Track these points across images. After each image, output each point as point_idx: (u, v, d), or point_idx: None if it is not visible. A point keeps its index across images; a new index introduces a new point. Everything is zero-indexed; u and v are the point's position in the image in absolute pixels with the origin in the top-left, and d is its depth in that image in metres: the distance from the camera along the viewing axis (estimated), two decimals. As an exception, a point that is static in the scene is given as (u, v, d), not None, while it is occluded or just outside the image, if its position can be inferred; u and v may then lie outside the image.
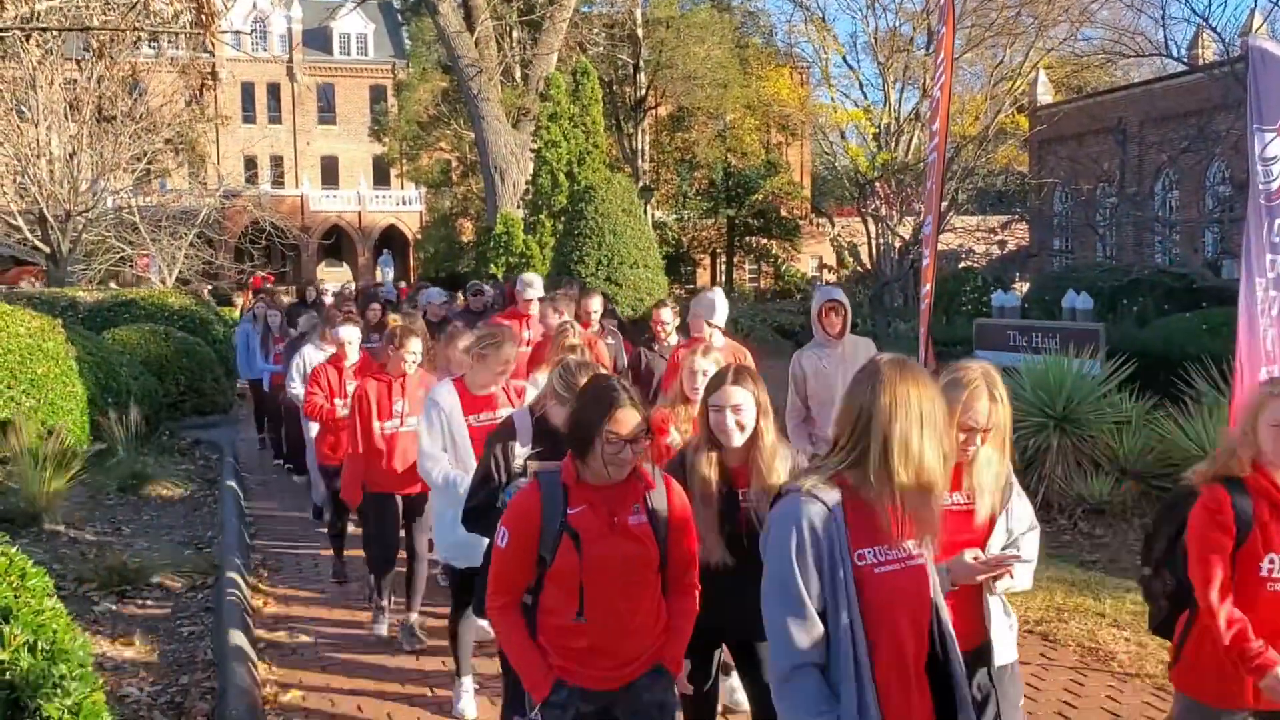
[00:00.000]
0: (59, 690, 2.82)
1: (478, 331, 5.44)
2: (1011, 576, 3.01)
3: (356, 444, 6.10)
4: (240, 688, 5.05)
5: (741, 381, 3.52)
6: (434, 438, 4.99)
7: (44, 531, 7.92)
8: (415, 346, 6.11)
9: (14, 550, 3.14)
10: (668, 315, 7.81)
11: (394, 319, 7.89)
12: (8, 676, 2.72)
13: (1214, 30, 18.42)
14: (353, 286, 24.06)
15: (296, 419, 9.18)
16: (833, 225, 42.07)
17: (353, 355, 7.32)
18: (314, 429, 7.85)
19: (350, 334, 7.34)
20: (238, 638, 5.71)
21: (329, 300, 14.19)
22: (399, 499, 6.14)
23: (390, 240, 54.53)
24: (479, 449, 4.61)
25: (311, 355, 8.47)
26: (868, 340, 6.84)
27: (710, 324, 7.04)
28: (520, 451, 4.06)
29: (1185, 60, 23.49)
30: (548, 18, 24.23)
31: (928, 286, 7.64)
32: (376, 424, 6.07)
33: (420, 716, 5.14)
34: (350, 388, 6.92)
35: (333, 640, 6.25)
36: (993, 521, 3.13)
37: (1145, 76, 31.91)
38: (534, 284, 8.53)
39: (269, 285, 21.77)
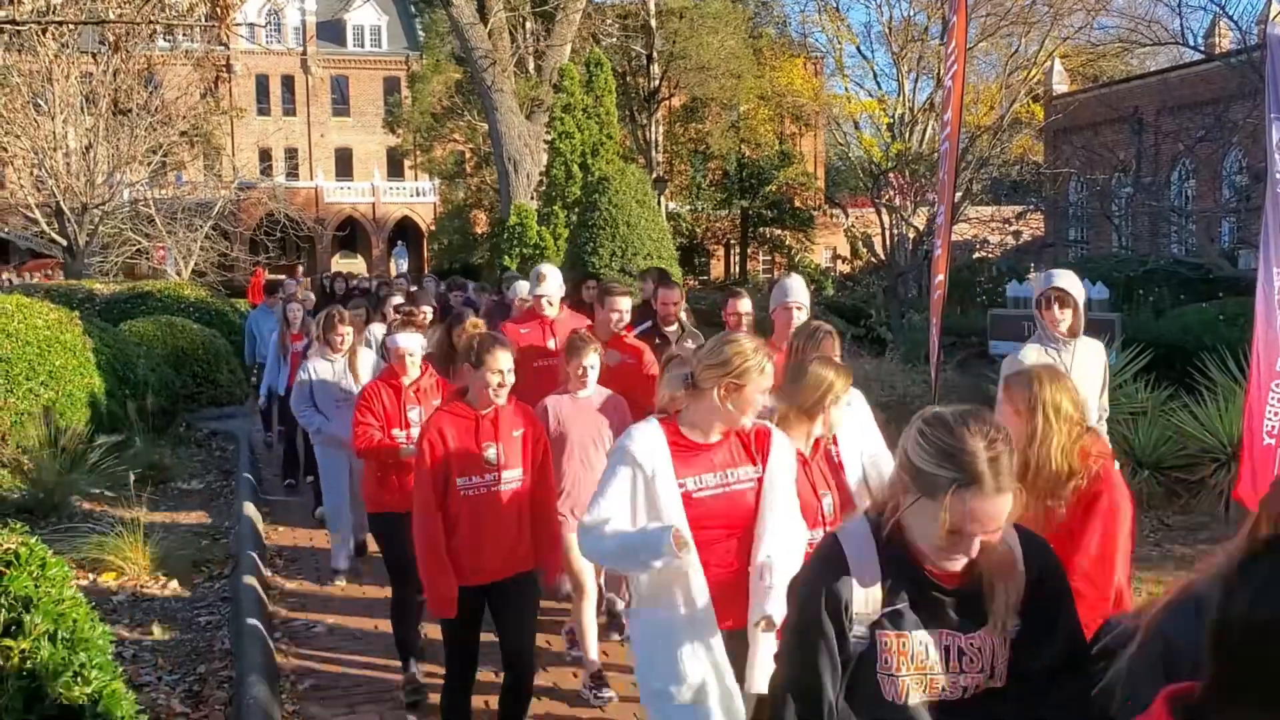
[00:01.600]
0: (79, 678, 2.86)
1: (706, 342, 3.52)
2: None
3: (433, 521, 4.13)
4: (257, 676, 5.09)
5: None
6: (613, 504, 3.24)
7: (63, 521, 7.98)
8: (504, 362, 4.21)
9: (34, 540, 3.18)
10: (746, 306, 6.45)
11: (474, 322, 6.27)
12: (29, 665, 2.75)
13: (1231, 18, 18.30)
14: (400, 278, 21.85)
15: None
16: (846, 216, 41.92)
17: (412, 370, 5.71)
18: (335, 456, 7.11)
19: (411, 343, 5.72)
20: (254, 627, 5.76)
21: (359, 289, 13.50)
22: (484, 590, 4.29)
23: (404, 232, 54.65)
24: (702, 542, 3.20)
25: (319, 368, 7.12)
26: (1098, 344, 5.44)
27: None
28: (861, 607, 2.21)
29: (1202, 49, 23.34)
30: (561, 9, 24.20)
31: (940, 277, 7.62)
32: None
33: (434, 705, 5.17)
34: (415, 415, 5.54)
35: (349, 630, 6.29)
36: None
37: (1162, 65, 31.72)
38: (550, 276, 6.62)
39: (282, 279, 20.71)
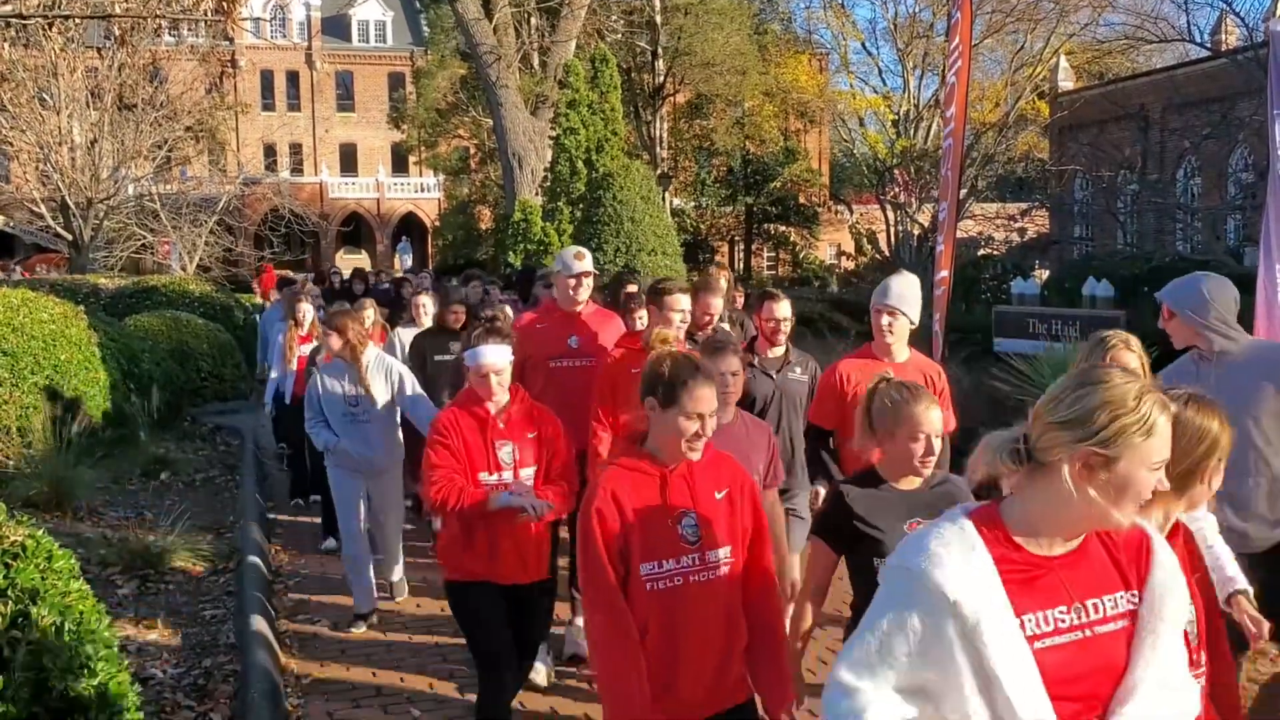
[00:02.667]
0: (86, 671, 2.87)
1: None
2: None
3: (623, 616, 2.90)
4: (262, 670, 5.11)
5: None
6: (886, 671, 1.99)
7: (68, 515, 8.01)
8: (708, 404, 3.00)
9: (40, 532, 3.19)
10: (785, 311, 5.50)
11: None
12: (36, 657, 2.76)
13: (1237, 15, 18.31)
14: (424, 275, 20.26)
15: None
16: (851, 213, 41.96)
17: (500, 394, 4.24)
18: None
19: (499, 358, 4.21)
20: (259, 621, 5.77)
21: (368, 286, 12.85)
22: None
23: (409, 227, 54.67)
24: None
25: (329, 384, 6.23)
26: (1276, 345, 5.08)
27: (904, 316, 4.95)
28: None
29: (1208, 46, 23.30)
30: (566, 4, 24.19)
31: (943, 274, 7.62)
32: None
33: (440, 698, 5.19)
34: (507, 452, 4.20)
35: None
36: None
37: (1168, 62, 31.63)
38: (590, 258, 5.83)
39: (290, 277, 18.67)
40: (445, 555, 4.32)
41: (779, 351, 5.50)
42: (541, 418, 4.26)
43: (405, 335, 8.14)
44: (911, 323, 4.96)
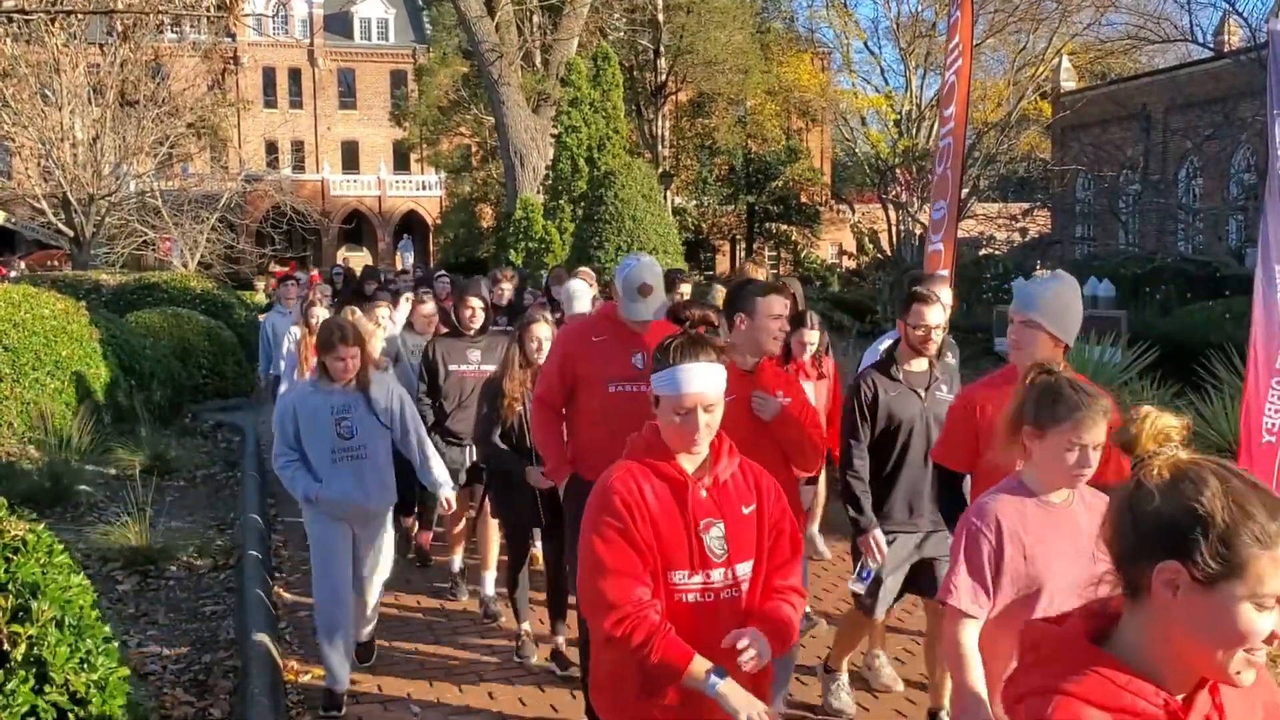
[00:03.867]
0: (85, 665, 2.87)
1: None
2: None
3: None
4: (262, 666, 5.11)
5: None
6: None
7: (68, 511, 8.02)
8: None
9: (41, 527, 3.20)
10: (937, 316, 4.44)
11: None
12: (36, 651, 2.77)
13: (1240, 15, 18.31)
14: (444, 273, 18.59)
15: None
16: (853, 212, 41.94)
17: (705, 441, 2.71)
18: None
19: (712, 384, 2.72)
20: (259, 617, 5.78)
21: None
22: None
23: (410, 225, 54.67)
24: None
25: (314, 411, 5.06)
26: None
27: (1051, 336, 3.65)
28: None
29: (1211, 46, 23.29)
30: (568, 2, 24.20)
31: (944, 272, 7.62)
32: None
33: (440, 693, 5.19)
34: (717, 538, 2.67)
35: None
36: None
37: (1170, 63, 31.64)
38: (652, 266, 4.54)
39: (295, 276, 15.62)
40: (603, 695, 2.83)
41: (923, 364, 4.51)
42: (759, 479, 2.78)
43: (410, 341, 7.26)
44: (1059, 342, 3.66)
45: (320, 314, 7.80)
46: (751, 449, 3.03)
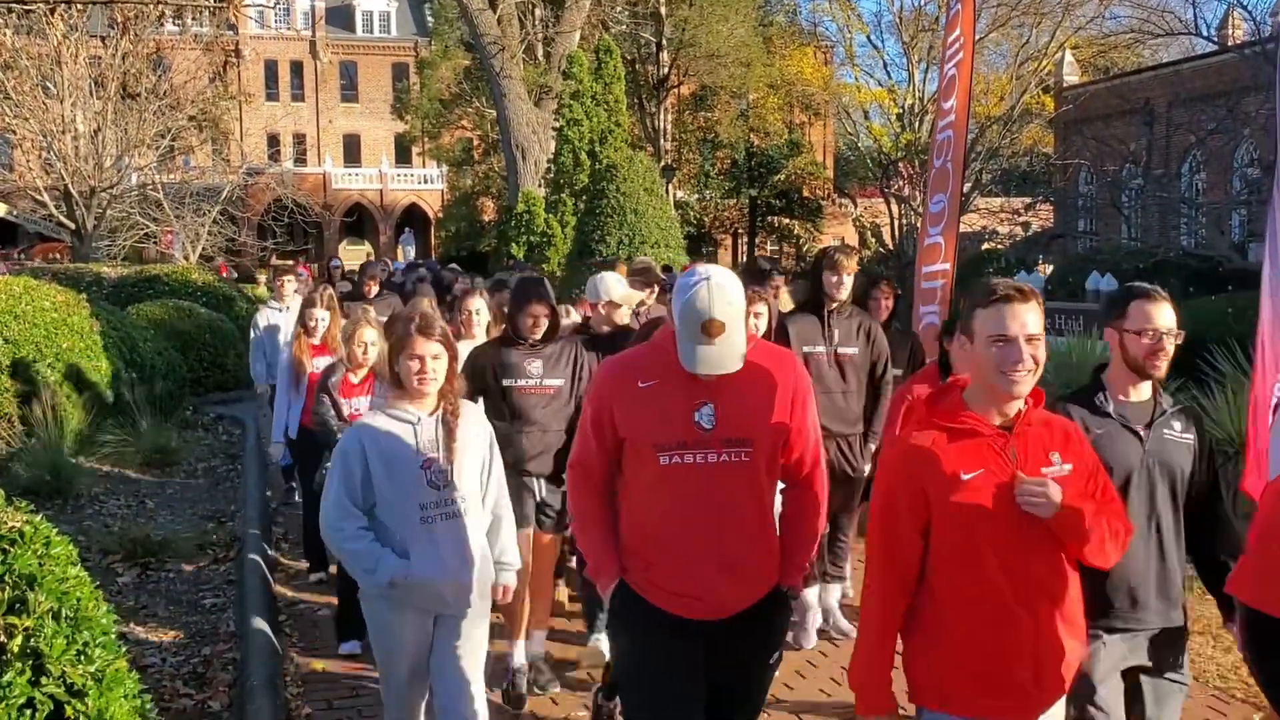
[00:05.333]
0: (83, 657, 2.86)
1: None
2: None
3: None
4: (262, 658, 5.11)
5: None
6: None
7: (68, 503, 8.01)
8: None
9: (38, 519, 3.18)
10: (1168, 318, 3.21)
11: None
12: (33, 643, 2.76)
13: (1245, 9, 18.25)
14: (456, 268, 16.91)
15: None
16: (855, 206, 41.90)
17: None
18: None
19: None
20: (259, 610, 5.77)
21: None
22: None
23: (412, 219, 54.64)
24: None
25: (393, 454, 3.55)
26: None
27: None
28: None
29: (1215, 40, 23.23)
30: (570, -5, 24.16)
31: (945, 265, 7.59)
32: None
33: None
34: None
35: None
36: None
37: (1174, 57, 31.56)
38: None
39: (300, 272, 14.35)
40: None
41: (1145, 391, 3.27)
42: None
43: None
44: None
45: (321, 316, 6.88)
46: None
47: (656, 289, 6.69)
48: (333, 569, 6.30)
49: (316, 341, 6.88)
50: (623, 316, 5.67)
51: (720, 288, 2.85)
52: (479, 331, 5.72)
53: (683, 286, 2.90)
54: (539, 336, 4.98)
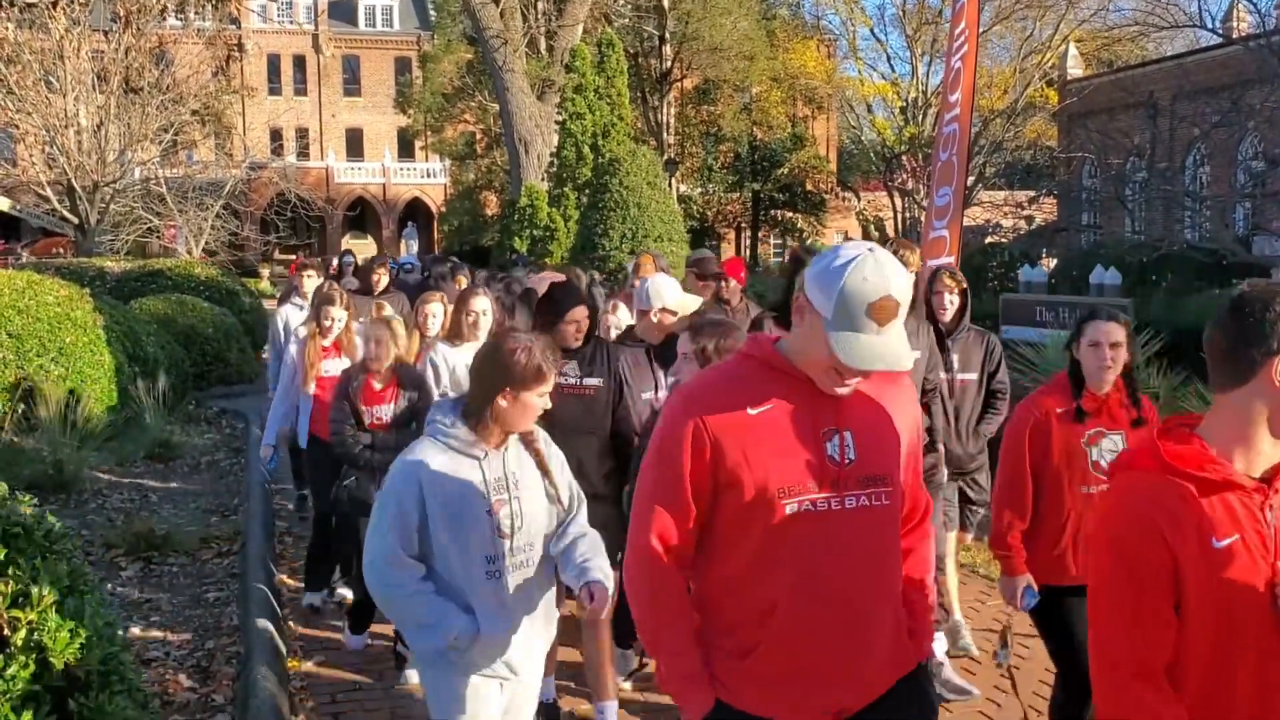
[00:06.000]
0: (87, 651, 2.86)
1: None
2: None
3: None
4: (265, 652, 5.10)
5: None
6: None
7: (72, 498, 8.02)
8: None
9: (42, 513, 3.19)
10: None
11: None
12: (36, 636, 2.76)
13: (1249, 1, 18.14)
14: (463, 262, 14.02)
15: None
16: (859, 199, 41.85)
17: None
18: None
19: None
20: (262, 603, 5.77)
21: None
22: None
23: (414, 213, 54.68)
24: None
25: (455, 493, 3.04)
26: None
27: None
28: None
29: (1219, 32, 23.16)
30: (573, -11, 24.12)
31: (950, 259, 7.59)
32: None
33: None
34: None
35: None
36: None
37: (1178, 50, 31.49)
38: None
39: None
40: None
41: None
42: None
43: (453, 355, 5.45)
44: None
45: (338, 315, 6.26)
46: None
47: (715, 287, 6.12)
48: (345, 597, 6.06)
49: (328, 342, 6.30)
50: (680, 326, 4.95)
51: (888, 259, 2.21)
52: (483, 334, 5.36)
53: (832, 266, 2.21)
54: (581, 343, 4.57)
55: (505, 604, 3.02)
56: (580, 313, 4.54)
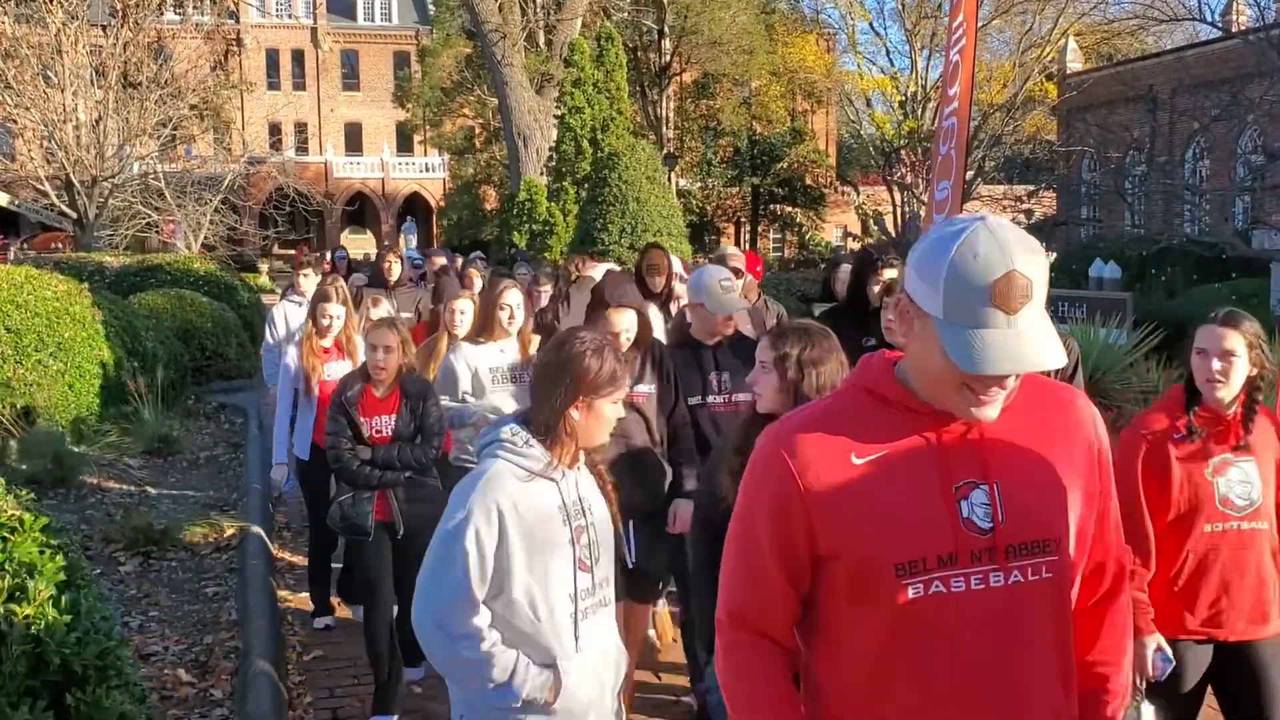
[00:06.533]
0: (84, 645, 2.86)
1: None
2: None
3: None
4: (264, 647, 5.11)
5: None
6: None
7: (70, 493, 8.02)
8: None
9: (39, 507, 3.18)
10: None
11: None
12: (33, 631, 2.75)
13: (1249, -6, 18.12)
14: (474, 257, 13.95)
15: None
16: (858, 194, 41.83)
17: None
18: None
19: None
20: (261, 598, 5.77)
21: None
22: None
23: (413, 207, 54.63)
24: None
25: (539, 523, 2.62)
26: None
27: None
28: None
29: (1219, 26, 23.12)
30: (572, -17, 24.08)
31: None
32: None
33: (440, 675, 5.18)
34: None
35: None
36: None
37: (1178, 43, 31.43)
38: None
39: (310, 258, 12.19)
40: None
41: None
42: None
43: (476, 355, 5.08)
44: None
45: (335, 312, 5.83)
46: None
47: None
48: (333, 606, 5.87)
49: (328, 343, 5.86)
50: (742, 321, 4.62)
51: (1005, 227, 1.68)
52: (514, 331, 5.05)
53: (934, 246, 1.69)
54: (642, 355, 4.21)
55: (584, 647, 2.63)
56: (624, 321, 4.21)
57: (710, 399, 4.38)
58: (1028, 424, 1.79)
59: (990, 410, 1.71)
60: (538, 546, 2.55)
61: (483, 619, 2.54)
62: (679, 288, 5.99)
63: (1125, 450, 3.15)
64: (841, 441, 1.77)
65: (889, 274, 4.68)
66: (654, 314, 4.80)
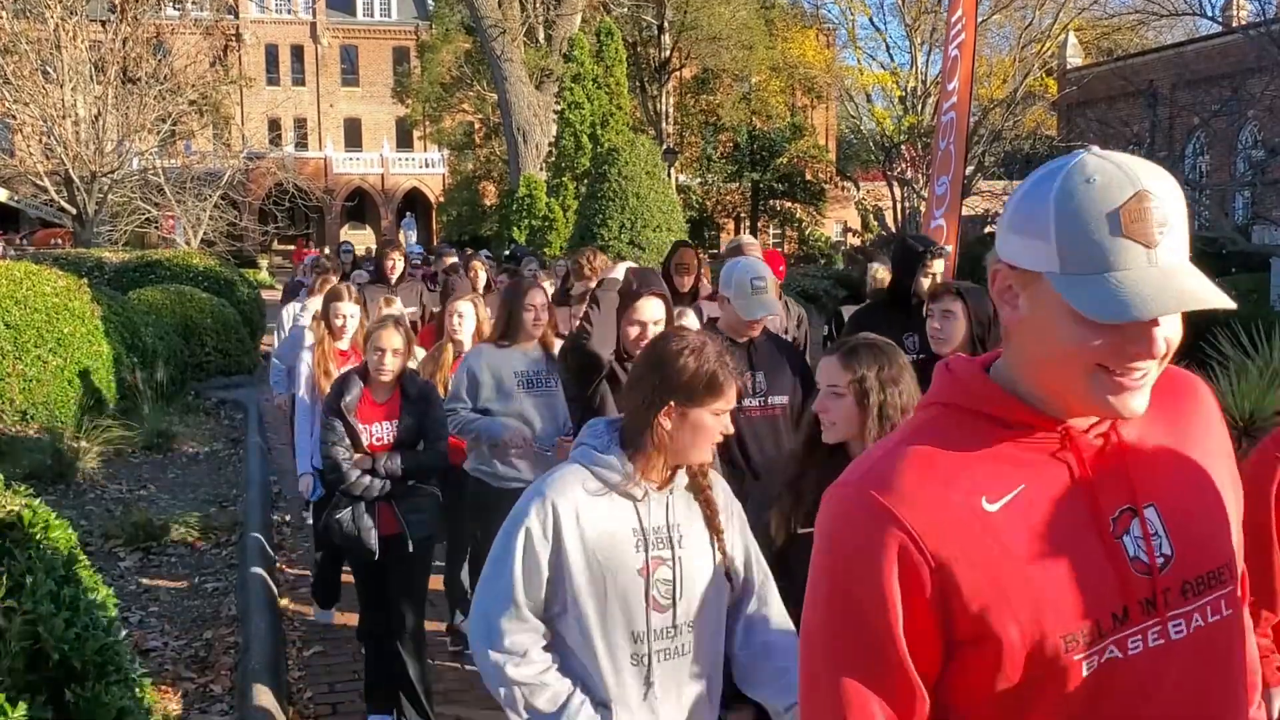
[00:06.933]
0: (83, 641, 2.86)
1: None
2: None
3: None
4: (263, 642, 5.11)
5: None
6: None
7: (70, 488, 8.02)
8: None
9: (38, 502, 3.17)
10: None
11: None
12: (32, 626, 2.75)
13: (1249, -11, 18.10)
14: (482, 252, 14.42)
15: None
16: (858, 189, 41.80)
17: None
18: None
19: None
20: (261, 593, 5.78)
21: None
22: None
23: (413, 203, 54.58)
24: None
25: (610, 543, 2.28)
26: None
27: None
28: None
29: (1219, 20, 23.11)
30: (571, -22, 24.06)
31: (948, 248, 7.58)
32: None
33: (441, 673, 5.19)
34: None
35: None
36: None
37: (1178, 38, 31.41)
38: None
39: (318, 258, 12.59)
40: None
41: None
42: None
43: (499, 359, 4.74)
44: None
45: (349, 312, 5.57)
46: None
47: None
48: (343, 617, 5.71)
49: (345, 345, 5.57)
50: (769, 320, 4.18)
51: (1116, 153, 1.29)
52: (539, 334, 4.72)
53: (1038, 185, 1.29)
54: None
55: (648, 701, 2.27)
56: (651, 310, 3.69)
57: (745, 402, 3.71)
58: (1158, 419, 1.37)
59: (1138, 399, 1.27)
60: (600, 571, 2.22)
61: (532, 637, 2.25)
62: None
63: (1255, 471, 2.46)
64: (963, 483, 1.30)
65: (938, 265, 4.18)
66: (690, 319, 4.34)
